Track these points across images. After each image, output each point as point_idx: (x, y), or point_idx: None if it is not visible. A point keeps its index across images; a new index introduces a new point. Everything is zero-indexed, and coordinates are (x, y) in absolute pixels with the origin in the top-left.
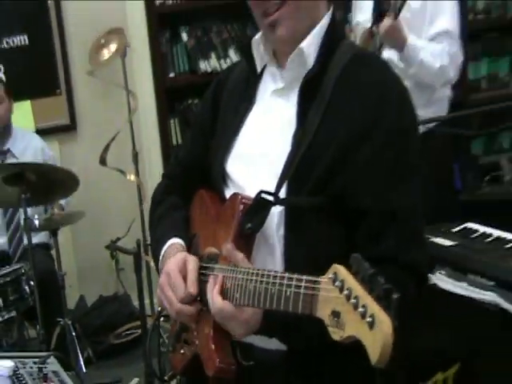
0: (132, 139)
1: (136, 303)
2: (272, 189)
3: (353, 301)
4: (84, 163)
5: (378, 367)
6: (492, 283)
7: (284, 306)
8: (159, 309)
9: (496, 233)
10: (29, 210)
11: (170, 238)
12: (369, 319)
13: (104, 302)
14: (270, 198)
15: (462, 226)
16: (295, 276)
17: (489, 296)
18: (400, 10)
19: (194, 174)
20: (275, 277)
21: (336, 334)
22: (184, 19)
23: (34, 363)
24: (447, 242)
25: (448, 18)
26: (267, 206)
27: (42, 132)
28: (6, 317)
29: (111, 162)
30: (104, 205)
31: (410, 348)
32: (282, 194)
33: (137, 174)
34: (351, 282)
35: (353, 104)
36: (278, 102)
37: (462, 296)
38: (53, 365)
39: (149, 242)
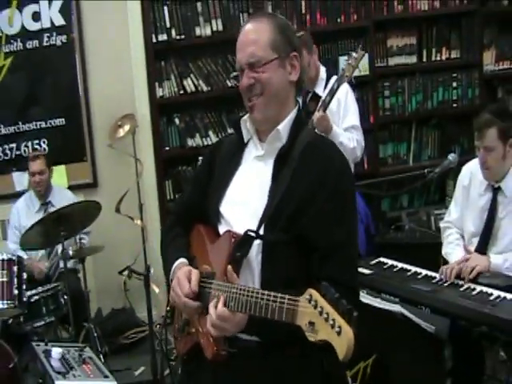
0: (138, 194)
1: (139, 315)
2: (252, 227)
3: (324, 316)
4: (103, 211)
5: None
6: (397, 299)
7: (270, 315)
8: (168, 308)
9: (400, 265)
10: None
11: (178, 258)
12: (337, 329)
13: (115, 313)
14: (253, 234)
15: (376, 260)
16: (279, 295)
17: (396, 308)
18: (328, 105)
19: (193, 212)
20: (263, 294)
21: (311, 337)
22: (176, 109)
23: (75, 351)
24: (366, 271)
25: (354, 117)
26: (251, 240)
27: (72, 188)
28: (47, 320)
29: (123, 211)
30: (117, 241)
31: None
32: (261, 231)
33: (141, 219)
34: (322, 302)
35: (310, 172)
36: (258, 165)
37: (377, 308)
38: (88, 352)
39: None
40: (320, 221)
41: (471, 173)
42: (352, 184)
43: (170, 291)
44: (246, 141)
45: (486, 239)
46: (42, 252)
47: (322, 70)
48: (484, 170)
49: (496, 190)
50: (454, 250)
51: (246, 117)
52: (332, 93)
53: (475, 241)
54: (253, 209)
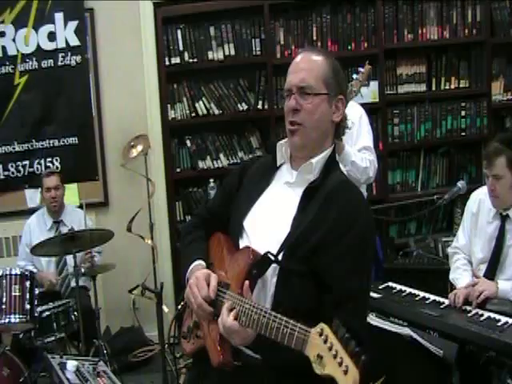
0: (149, 214)
1: (147, 334)
2: (271, 249)
3: (333, 352)
4: (114, 230)
5: None
6: (406, 323)
7: (280, 338)
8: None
9: (408, 290)
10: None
11: (196, 259)
12: (344, 368)
13: (124, 331)
14: (272, 257)
15: (385, 285)
16: (291, 321)
17: (404, 330)
18: None
19: (215, 219)
20: (275, 316)
21: (317, 370)
22: (188, 131)
23: (90, 364)
24: (375, 295)
25: (366, 138)
26: (269, 261)
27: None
28: (58, 336)
29: (134, 230)
30: (128, 260)
31: None
32: (279, 256)
33: (152, 239)
34: (333, 339)
35: (336, 214)
36: (287, 191)
37: (386, 330)
38: (102, 366)
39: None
40: (339, 264)
41: (480, 200)
42: (373, 233)
43: (186, 289)
44: (278, 164)
45: (493, 266)
46: (52, 269)
47: None
48: (492, 197)
49: (504, 218)
50: (461, 276)
51: (283, 141)
52: None
53: (483, 268)
54: (274, 232)
